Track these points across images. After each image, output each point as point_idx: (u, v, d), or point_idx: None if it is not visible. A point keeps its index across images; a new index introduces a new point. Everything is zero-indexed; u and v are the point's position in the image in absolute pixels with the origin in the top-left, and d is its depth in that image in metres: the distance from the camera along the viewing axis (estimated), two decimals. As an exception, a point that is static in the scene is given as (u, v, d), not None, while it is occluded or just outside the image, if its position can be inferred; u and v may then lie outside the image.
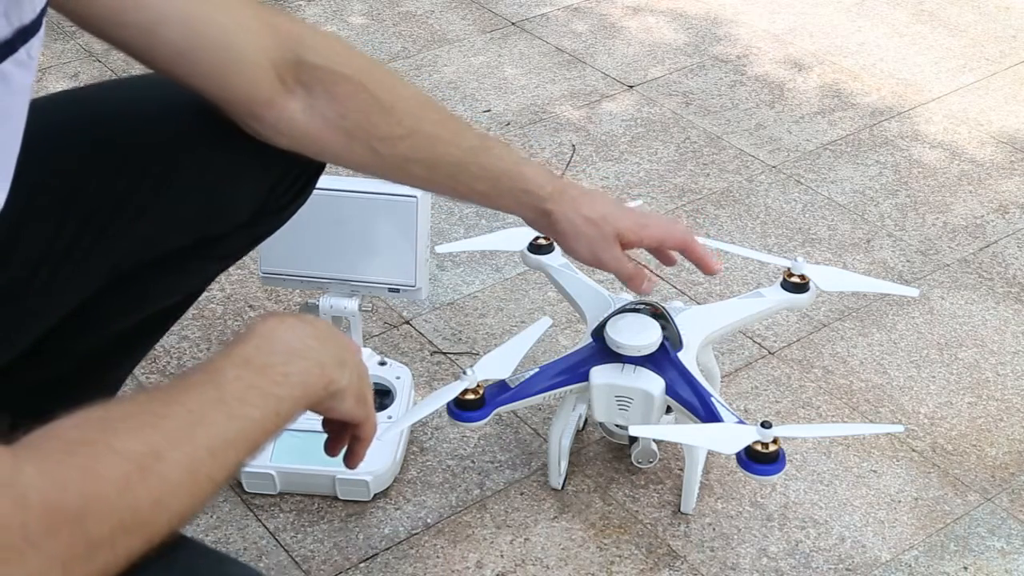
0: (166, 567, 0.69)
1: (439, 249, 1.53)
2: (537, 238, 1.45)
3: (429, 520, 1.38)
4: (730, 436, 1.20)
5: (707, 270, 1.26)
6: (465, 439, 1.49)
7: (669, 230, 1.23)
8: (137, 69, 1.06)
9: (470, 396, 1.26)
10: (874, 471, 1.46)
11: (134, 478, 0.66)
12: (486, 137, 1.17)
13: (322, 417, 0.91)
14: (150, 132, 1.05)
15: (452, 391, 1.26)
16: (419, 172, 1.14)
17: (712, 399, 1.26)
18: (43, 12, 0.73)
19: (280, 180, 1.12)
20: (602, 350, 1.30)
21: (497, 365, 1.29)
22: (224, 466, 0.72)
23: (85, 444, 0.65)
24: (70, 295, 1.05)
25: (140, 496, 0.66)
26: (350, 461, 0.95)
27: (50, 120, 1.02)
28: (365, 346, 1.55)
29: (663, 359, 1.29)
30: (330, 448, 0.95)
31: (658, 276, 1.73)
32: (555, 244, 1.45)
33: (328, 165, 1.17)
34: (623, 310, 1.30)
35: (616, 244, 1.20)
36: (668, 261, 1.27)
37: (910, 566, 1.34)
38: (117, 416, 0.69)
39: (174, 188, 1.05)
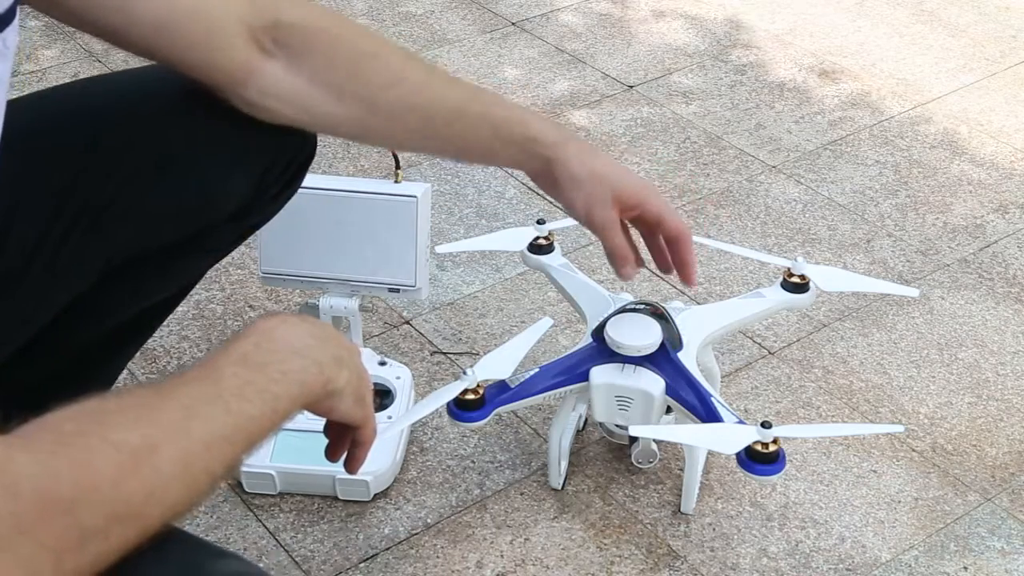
0: (161, 559, 0.69)
1: (439, 249, 1.53)
2: (537, 238, 1.45)
3: (429, 520, 1.38)
4: (730, 436, 1.20)
5: (687, 278, 1.19)
6: (465, 439, 1.49)
7: (670, 211, 1.17)
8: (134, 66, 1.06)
9: (470, 396, 1.26)
10: (874, 471, 1.46)
11: (128, 469, 0.65)
12: (477, 86, 1.13)
13: (324, 421, 0.91)
14: (140, 126, 1.05)
15: (452, 391, 1.25)
16: (415, 123, 1.09)
17: (712, 399, 1.26)
18: (17, 1, 0.73)
19: (269, 170, 1.11)
20: (602, 350, 1.30)
21: (497, 365, 1.29)
22: (220, 461, 0.72)
23: (79, 435, 0.65)
24: (63, 290, 1.05)
25: (133, 488, 0.66)
26: (350, 466, 0.94)
27: (41, 115, 1.02)
28: (365, 346, 1.55)
29: (663, 359, 1.29)
30: (331, 453, 0.95)
31: (658, 276, 1.73)
32: (554, 243, 1.45)
33: (327, 164, 1.17)
34: (623, 310, 1.29)
35: (613, 206, 1.14)
36: (664, 263, 1.20)
37: (910, 566, 1.34)
38: (112, 408, 0.69)
39: (165, 181, 1.05)
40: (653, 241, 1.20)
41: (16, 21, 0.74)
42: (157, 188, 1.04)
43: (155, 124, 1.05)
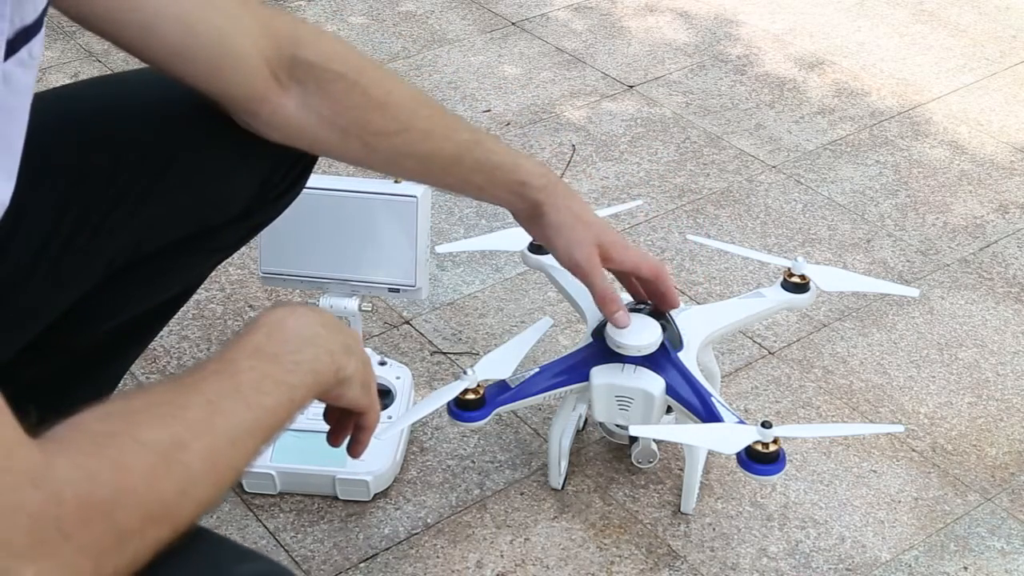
0: (187, 557, 0.70)
1: (439, 249, 1.53)
2: (537, 238, 1.45)
3: (429, 520, 1.38)
4: (730, 436, 1.20)
5: (673, 305, 1.29)
6: (465, 439, 1.49)
7: (647, 257, 1.26)
8: (136, 67, 1.06)
9: (470, 396, 1.26)
10: (874, 471, 1.46)
11: (160, 469, 0.66)
12: (477, 131, 1.20)
13: (323, 409, 0.91)
14: (145, 127, 1.05)
15: (452, 391, 1.26)
16: (413, 166, 1.16)
17: (712, 399, 1.26)
18: (44, 12, 0.74)
19: (274, 171, 1.12)
20: (602, 350, 1.30)
21: (497, 365, 1.29)
22: (244, 455, 0.73)
23: (111, 436, 0.66)
24: (68, 291, 1.06)
25: (166, 487, 0.66)
26: (354, 450, 0.95)
27: (46, 116, 1.02)
28: (365, 346, 1.55)
29: (663, 359, 1.29)
30: (333, 439, 0.96)
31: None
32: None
33: (327, 164, 1.18)
34: (623, 310, 1.30)
35: (595, 251, 1.21)
36: (638, 294, 1.30)
37: (910, 566, 1.34)
38: (139, 408, 0.70)
39: (169, 182, 1.05)
40: (625, 277, 1.30)
41: (43, 31, 0.74)
42: (161, 189, 1.05)
43: (159, 126, 1.06)
